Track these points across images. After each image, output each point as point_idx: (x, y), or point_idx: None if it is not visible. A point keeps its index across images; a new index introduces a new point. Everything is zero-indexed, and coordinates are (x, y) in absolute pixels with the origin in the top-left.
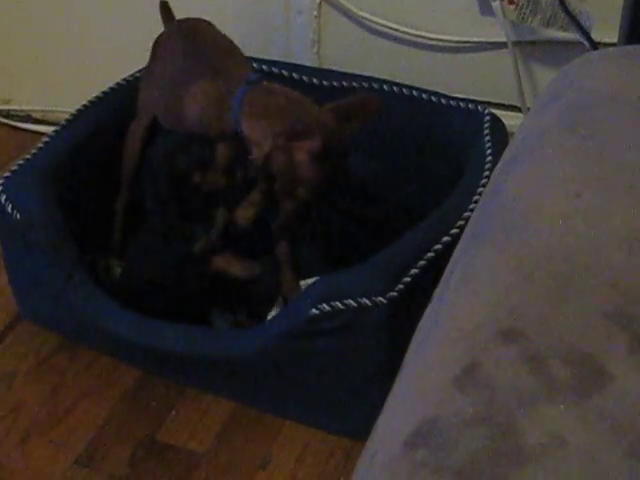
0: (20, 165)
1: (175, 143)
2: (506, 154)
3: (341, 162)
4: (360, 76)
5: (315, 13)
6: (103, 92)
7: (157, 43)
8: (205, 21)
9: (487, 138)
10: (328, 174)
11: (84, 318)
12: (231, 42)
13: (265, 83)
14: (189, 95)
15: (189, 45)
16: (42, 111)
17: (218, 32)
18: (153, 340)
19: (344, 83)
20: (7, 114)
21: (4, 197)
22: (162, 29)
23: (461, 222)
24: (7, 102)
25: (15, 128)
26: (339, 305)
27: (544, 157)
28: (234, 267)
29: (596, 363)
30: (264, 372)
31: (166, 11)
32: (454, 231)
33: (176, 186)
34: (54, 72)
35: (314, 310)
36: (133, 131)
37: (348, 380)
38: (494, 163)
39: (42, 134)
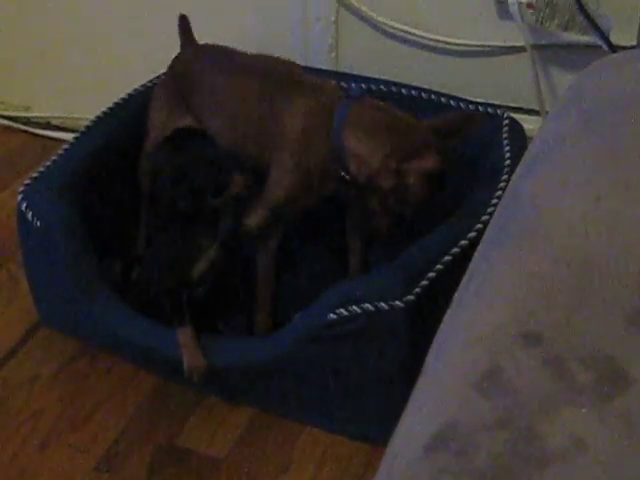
0: (40, 173)
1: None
2: (525, 158)
3: (443, 179)
4: (378, 80)
5: (333, 19)
6: (122, 99)
7: (182, 61)
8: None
9: (506, 142)
10: (435, 192)
11: (103, 325)
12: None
13: (369, 98)
14: (288, 111)
15: (252, 65)
16: (61, 118)
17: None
18: (171, 349)
19: (362, 85)
20: (27, 121)
21: (24, 205)
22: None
23: (479, 225)
24: (27, 109)
25: (35, 135)
26: (357, 309)
27: (563, 160)
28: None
29: (617, 366)
30: (283, 377)
31: (185, 24)
32: (472, 235)
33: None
34: (74, 79)
35: (332, 315)
36: (145, 149)
37: (367, 385)
38: (513, 167)
39: (62, 141)
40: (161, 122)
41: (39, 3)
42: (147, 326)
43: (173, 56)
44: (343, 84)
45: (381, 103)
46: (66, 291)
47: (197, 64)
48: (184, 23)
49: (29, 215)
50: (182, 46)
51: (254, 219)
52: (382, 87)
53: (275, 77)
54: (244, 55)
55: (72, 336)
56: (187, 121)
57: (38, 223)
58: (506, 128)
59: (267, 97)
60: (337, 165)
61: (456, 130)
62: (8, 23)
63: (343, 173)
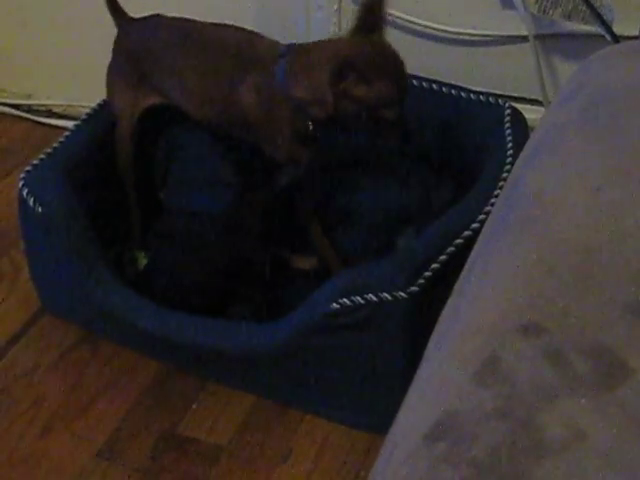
0: (41, 159)
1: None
2: (527, 148)
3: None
4: None
5: (335, 7)
6: None
7: (130, 39)
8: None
9: (508, 132)
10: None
11: (106, 311)
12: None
13: (296, 45)
14: (241, 91)
15: (209, 39)
16: (63, 106)
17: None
18: (174, 333)
19: None
20: (28, 109)
21: (26, 191)
22: None
23: (482, 216)
24: (28, 97)
25: (36, 123)
26: (360, 300)
27: (565, 151)
28: (302, 262)
29: (617, 357)
30: (285, 366)
31: (114, 4)
32: (475, 225)
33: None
34: (75, 67)
35: (335, 305)
36: (123, 135)
37: (369, 374)
38: (515, 157)
39: (63, 129)
40: (127, 105)
41: None
42: (152, 310)
43: None
44: None
45: (304, 44)
46: (68, 277)
47: (151, 40)
48: (113, 3)
49: (30, 201)
50: (119, 24)
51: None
52: None
53: (229, 53)
54: (198, 27)
55: (74, 323)
56: (154, 99)
57: (40, 209)
58: (508, 118)
59: (224, 75)
60: (303, 119)
61: (376, 20)
62: (8, 11)
63: (310, 123)
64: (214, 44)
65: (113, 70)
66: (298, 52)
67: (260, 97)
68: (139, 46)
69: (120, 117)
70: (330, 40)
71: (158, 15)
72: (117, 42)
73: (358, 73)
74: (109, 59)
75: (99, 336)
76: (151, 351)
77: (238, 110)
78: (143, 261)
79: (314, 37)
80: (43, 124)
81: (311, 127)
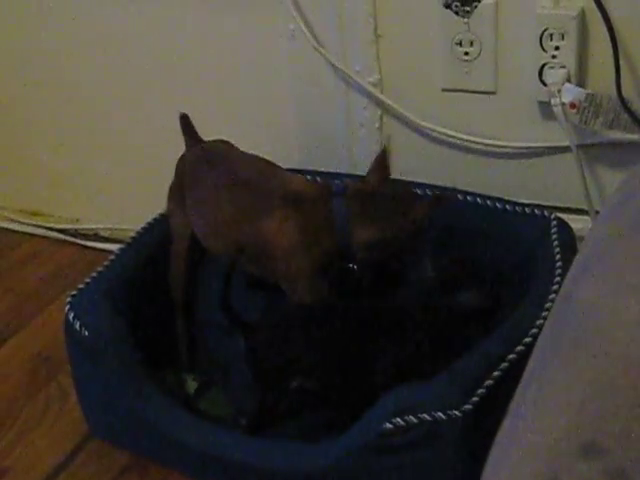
0: (87, 283)
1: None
2: (577, 260)
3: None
4: (424, 184)
5: (377, 125)
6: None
7: (183, 161)
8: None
9: (555, 243)
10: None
11: (156, 430)
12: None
13: (352, 188)
14: (270, 228)
15: (238, 175)
16: (110, 229)
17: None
18: (225, 452)
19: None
20: (75, 233)
21: (72, 315)
22: None
23: (534, 330)
24: (76, 221)
25: (83, 247)
26: (413, 419)
27: (617, 262)
28: None
29: None
30: None
31: (186, 123)
32: (527, 340)
33: None
34: (121, 191)
35: (388, 424)
36: (176, 255)
37: None
38: (564, 269)
39: (110, 252)
40: (181, 225)
41: (88, 121)
42: (203, 428)
43: None
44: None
45: (367, 186)
46: (117, 399)
47: (191, 165)
48: (186, 122)
49: (77, 325)
50: (187, 146)
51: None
52: (428, 192)
53: (258, 190)
54: (235, 160)
55: (123, 448)
56: None
57: (86, 332)
58: (554, 229)
59: (249, 211)
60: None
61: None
62: (54, 136)
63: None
64: (242, 180)
65: (172, 188)
66: (358, 195)
67: (296, 234)
68: (184, 169)
69: (176, 234)
70: (387, 185)
71: (222, 141)
72: (177, 161)
73: None
74: (154, 182)
75: (148, 460)
76: (201, 473)
77: (260, 241)
78: (192, 384)
79: (357, 155)
80: (90, 248)
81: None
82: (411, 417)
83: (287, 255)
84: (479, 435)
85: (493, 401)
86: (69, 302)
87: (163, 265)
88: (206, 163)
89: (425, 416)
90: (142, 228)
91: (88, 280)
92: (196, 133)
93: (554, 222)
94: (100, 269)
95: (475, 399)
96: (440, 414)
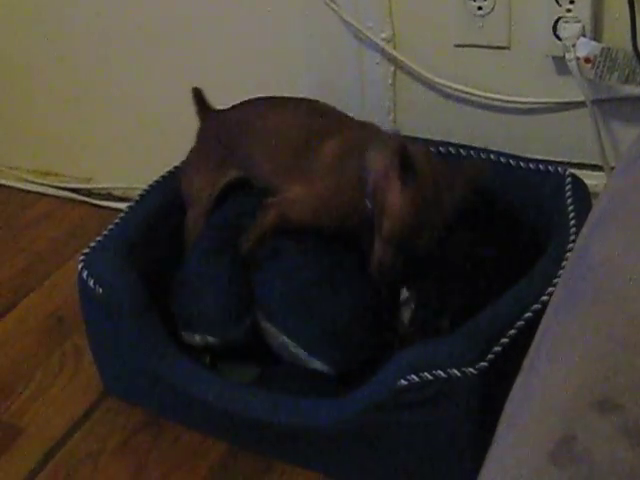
0: (99, 241)
1: None
2: (592, 216)
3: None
4: (437, 141)
5: (390, 81)
6: (175, 167)
7: (213, 127)
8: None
9: (569, 200)
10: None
11: (170, 386)
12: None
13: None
14: (328, 142)
15: (295, 105)
16: (122, 188)
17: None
18: (239, 408)
19: None
20: (88, 193)
21: (85, 273)
22: None
23: (551, 288)
24: (88, 181)
25: (96, 206)
26: (428, 376)
27: (632, 218)
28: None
29: None
30: (350, 444)
31: (199, 97)
32: (544, 298)
33: None
34: (134, 150)
35: (402, 381)
36: (194, 220)
37: (437, 453)
38: (579, 226)
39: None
40: (200, 189)
41: (100, 80)
42: (218, 384)
43: None
44: None
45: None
46: (131, 356)
47: (236, 120)
48: (198, 96)
49: (90, 283)
50: (201, 118)
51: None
52: (441, 149)
53: (318, 114)
54: (283, 100)
55: (138, 405)
56: (232, 174)
57: (100, 290)
58: (569, 186)
59: (311, 131)
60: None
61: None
62: (65, 97)
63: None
64: (301, 107)
65: (196, 154)
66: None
67: (341, 151)
68: (222, 131)
69: (194, 200)
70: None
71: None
72: (199, 133)
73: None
74: (166, 142)
75: (163, 418)
76: (216, 430)
77: (311, 154)
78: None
79: (370, 111)
80: (103, 207)
81: None
82: (426, 374)
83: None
84: (494, 392)
85: (509, 359)
86: (82, 260)
87: (174, 219)
88: (261, 111)
89: (440, 373)
90: (149, 185)
91: (100, 238)
92: (208, 106)
93: (568, 179)
94: (111, 227)
95: (490, 357)
96: (455, 371)
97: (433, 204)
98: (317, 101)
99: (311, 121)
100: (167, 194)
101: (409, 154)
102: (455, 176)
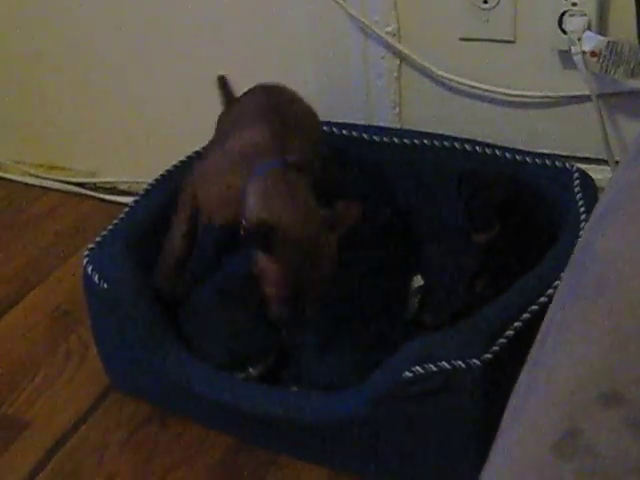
0: (104, 236)
1: None
2: (597, 209)
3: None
4: (442, 136)
5: (395, 75)
6: (180, 161)
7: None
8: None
9: (578, 196)
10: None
11: (175, 383)
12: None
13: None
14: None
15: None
16: (128, 183)
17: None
18: (244, 403)
19: (425, 142)
20: (93, 187)
21: (90, 268)
22: None
23: (557, 282)
24: (93, 175)
25: (102, 200)
26: (432, 368)
27: (637, 211)
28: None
29: None
30: (356, 436)
31: (224, 85)
32: (550, 291)
33: None
34: (140, 144)
35: (407, 373)
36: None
37: (443, 445)
38: (587, 221)
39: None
40: None
41: (105, 74)
42: (222, 380)
43: None
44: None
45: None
46: (136, 351)
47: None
48: (223, 83)
49: (95, 278)
50: (225, 105)
51: None
52: (445, 143)
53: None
54: (242, 105)
55: (143, 399)
56: None
57: (105, 285)
58: (577, 182)
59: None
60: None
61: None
62: (71, 91)
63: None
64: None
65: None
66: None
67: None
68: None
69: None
70: None
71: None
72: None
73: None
74: (172, 136)
75: (168, 411)
76: (221, 424)
77: None
78: None
79: (375, 105)
80: (108, 201)
81: None
82: (431, 365)
83: None
84: (499, 386)
85: (513, 351)
86: (87, 255)
87: None
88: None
89: (445, 364)
90: (155, 180)
91: (105, 233)
92: (233, 93)
93: (576, 174)
94: (116, 221)
95: (495, 349)
96: (460, 363)
97: (309, 260)
98: (287, 93)
99: (257, 109)
100: (173, 188)
101: (267, 228)
102: (333, 217)
